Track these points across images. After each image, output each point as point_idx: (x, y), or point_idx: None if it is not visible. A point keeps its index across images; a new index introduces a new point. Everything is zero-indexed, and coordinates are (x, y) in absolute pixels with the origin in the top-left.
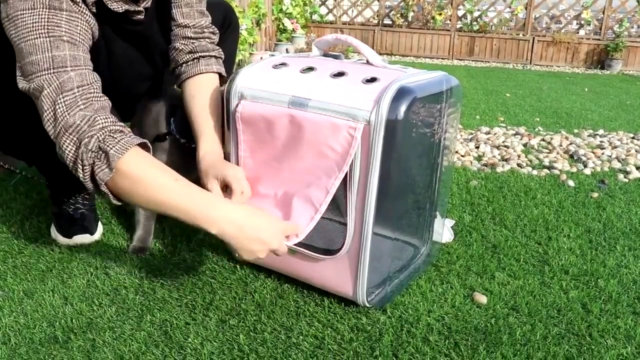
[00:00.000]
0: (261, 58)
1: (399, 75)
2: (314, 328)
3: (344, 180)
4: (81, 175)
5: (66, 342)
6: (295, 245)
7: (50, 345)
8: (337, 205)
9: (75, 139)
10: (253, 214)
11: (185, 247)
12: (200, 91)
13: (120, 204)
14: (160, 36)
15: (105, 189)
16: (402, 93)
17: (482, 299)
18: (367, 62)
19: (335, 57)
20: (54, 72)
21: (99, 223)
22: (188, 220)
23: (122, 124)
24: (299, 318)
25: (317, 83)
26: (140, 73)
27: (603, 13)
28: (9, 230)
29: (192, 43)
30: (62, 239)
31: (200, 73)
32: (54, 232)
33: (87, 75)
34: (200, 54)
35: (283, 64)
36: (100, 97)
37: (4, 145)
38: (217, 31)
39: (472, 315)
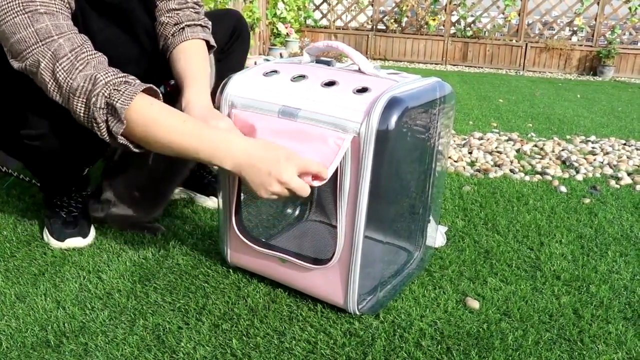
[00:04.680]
0: (255, 63)
1: (391, 85)
2: (306, 333)
3: (335, 190)
4: (99, 133)
5: (58, 346)
6: (285, 255)
7: (42, 349)
8: (330, 209)
9: (84, 100)
10: (267, 146)
11: (179, 251)
12: (185, 54)
13: (141, 150)
14: (142, 12)
15: (123, 141)
16: (393, 104)
17: (475, 304)
18: (359, 70)
19: (327, 63)
20: (42, 44)
21: (92, 227)
22: (202, 159)
23: (124, 74)
24: (292, 323)
25: (307, 92)
26: (123, 54)
27: (595, 20)
28: (0, 234)
29: (177, 14)
30: (54, 243)
31: (186, 40)
32: (47, 236)
33: (75, 38)
34: (185, 23)
35: (274, 71)
36: (94, 54)
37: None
38: (201, 3)
39: (465, 320)
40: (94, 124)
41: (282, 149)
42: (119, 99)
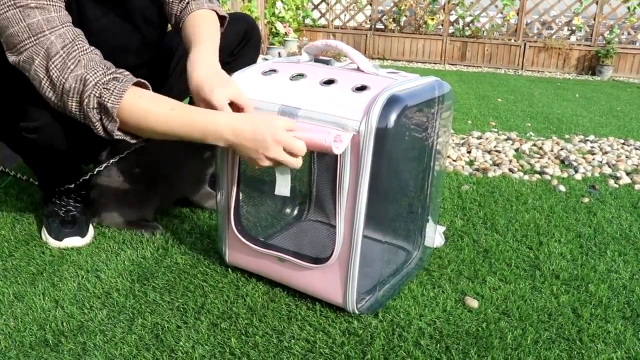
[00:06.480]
0: None
1: (390, 83)
2: (305, 332)
3: (334, 188)
4: (95, 131)
5: (57, 346)
6: (283, 254)
7: (40, 348)
8: (329, 208)
9: (77, 100)
10: (254, 124)
11: (177, 250)
12: (193, 22)
13: (137, 141)
14: None
15: (120, 135)
16: (392, 102)
17: (474, 303)
18: (358, 69)
19: (326, 62)
20: (35, 40)
21: (90, 226)
22: (195, 140)
23: (114, 69)
24: (291, 322)
25: (306, 91)
26: (122, 44)
27: (594, 20)
28: None
29: None
30: (52, 242)
31: (192, 12)
32: (45, 235)
33: (66, 34)
34: None
35: (273, 71)
36: (85, 50)
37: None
38: None
39: (464, 319)
40: (90, 123)
41: (268, 125)
42: (109, 99)
